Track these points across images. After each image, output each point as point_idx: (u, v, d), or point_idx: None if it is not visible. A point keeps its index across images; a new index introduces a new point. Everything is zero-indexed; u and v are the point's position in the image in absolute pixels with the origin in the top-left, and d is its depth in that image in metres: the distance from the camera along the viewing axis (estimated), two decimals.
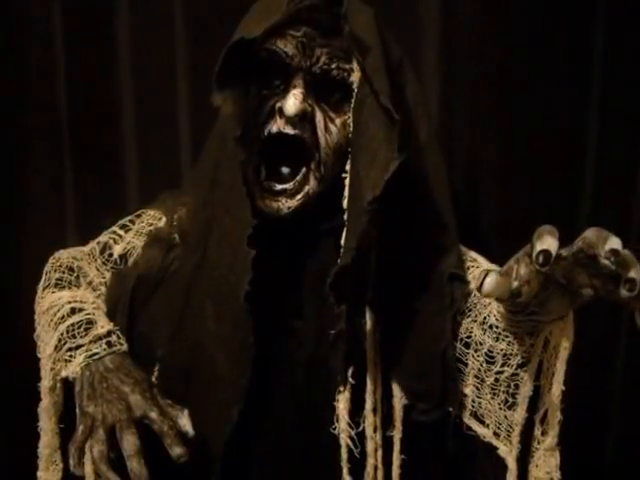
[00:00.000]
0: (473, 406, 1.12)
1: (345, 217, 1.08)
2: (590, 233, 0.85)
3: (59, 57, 1.62)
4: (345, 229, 1.07)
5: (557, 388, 1.05)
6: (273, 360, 1.15)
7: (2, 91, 1.64)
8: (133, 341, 1.15)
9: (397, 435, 1.15)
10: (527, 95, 1.53)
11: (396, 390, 1.15)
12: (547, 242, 0.83)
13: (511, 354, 1.06)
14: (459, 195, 1.22)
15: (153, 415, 1.00)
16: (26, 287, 1.28)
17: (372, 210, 0.99)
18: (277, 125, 1.10)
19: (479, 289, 0.90)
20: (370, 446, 1.14)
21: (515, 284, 0.88)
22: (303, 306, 1.18)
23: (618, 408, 1.62)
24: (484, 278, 0.89)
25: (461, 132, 1.56)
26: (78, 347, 1.08)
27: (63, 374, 1.09)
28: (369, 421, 1.14)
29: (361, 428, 1.13)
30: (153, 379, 1.14)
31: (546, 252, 0.82)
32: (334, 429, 1.13)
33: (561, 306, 0.95)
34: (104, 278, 1.25)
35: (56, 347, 1.10)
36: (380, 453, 1.15)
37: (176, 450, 0.97)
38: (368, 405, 1.13)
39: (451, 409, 1.12)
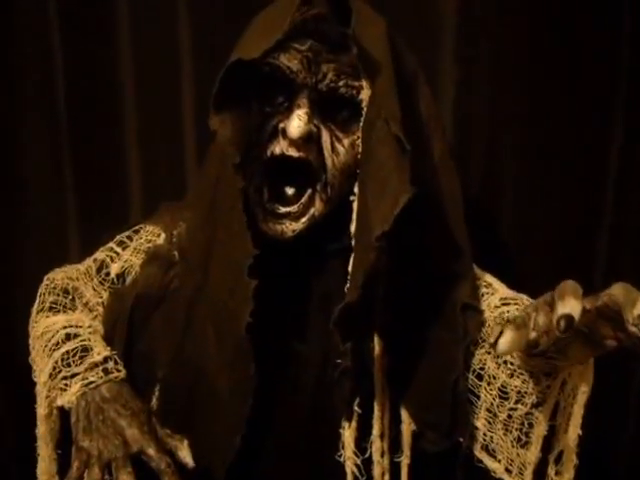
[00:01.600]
0: (484, 440, 1.07)
1: (353, 244, 1.03)
2: (618, 291, 0.79)
3: (58, 61, 1.57)
4: (352, 262, 1.01)
5: (574, 432, 1.00)
6: (277, 384, 1.11)
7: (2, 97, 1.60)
8: (133, 361, 1.12)
9: (405, 461, 1.11)
10: (549, 100, 1.44)
11: (405, 416, 1.11)
12: (570, 305, 0.77)
13: (526, 392, 1.01)
14: (477, 205, 1.15)
15: (150, 451, 0.96)
16: (27, 295, 1.24)
17: (380, 246, 0.93)
18: (280, 147, 1.04)
19: (493, 347, 0.84)
20: (377, 471, 1.10)
21: (533, 335, 0.83)
22: (308, 329, 1.13)
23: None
24: (499, 336, 0.84)
25: (479, 139, 1.48)
26: (73, 375, 1.04)
27: (58, 403, 1.05)
28: (376, 446, 1.10)
29: (368, 454, 1.09)
30: (154, 399, 1.12)
31: (568, 317, 0.76)
32: (340, 456, 1.09)
33: (581, 354, 0.89)
34: (101, 298, 1.20)
35: (51, 375, 1.06)
36: (387, 478, 1.11)
37: None
38: (375, 431, 1.09)
39: (462, 439, 1.07)
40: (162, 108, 1.57)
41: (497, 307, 1.09)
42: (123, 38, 1.54)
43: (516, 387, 1.02)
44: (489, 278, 1.16)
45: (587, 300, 0.80)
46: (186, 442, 1.00)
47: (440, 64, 1.43)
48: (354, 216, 1.04)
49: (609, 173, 1.46)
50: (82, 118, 1.59)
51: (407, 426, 1.11)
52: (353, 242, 1.03)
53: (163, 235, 1.20)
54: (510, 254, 1.49)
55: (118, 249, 1.21)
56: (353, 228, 1.04)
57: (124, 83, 1.56)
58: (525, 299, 1.10)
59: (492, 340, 0.85)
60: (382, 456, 1.10)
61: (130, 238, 1.22)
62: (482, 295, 1.12)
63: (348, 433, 1.08)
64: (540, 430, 1.01)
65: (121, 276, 1.19)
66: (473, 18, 1.43)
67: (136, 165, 1.60)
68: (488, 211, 1.49)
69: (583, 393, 0.99)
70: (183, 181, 1.59)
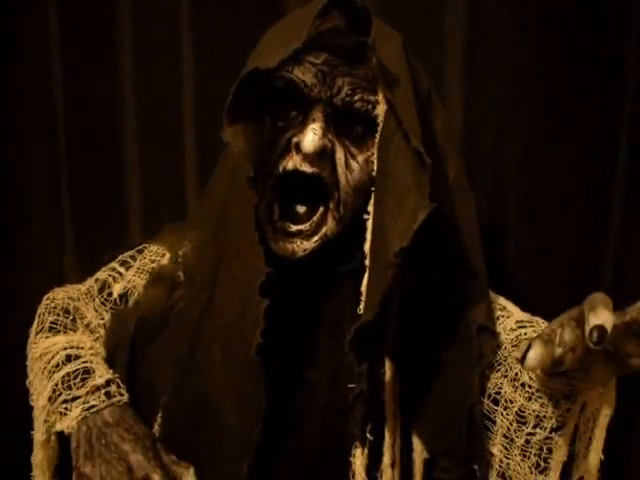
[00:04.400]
0: (501, 466, 1.04)
1: (367, 262, 0.99)
2: None
3: (57, 77, 1.56)
4: (366, 280, 0.98)
5: (595, 457, 0.97)
6: (285, 410, 1.06)
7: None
8: (134, 387, 1.08)
9: None
10: (557, 125, 1.43)
11: (417, 444, 1.07)
12: (602, 316, 0.75)
13: (545, 416, 0.98)
14: (482, 224, 1.13)
15: (156, 477, 0.93)
16: (22, 323, 1.21)
17: (398, 263, 0.91)
18: (293, 162, 1.01)
19: (521, 362, 0.82)
20: None
21: (558, 351, 0.81)
22: (317, 353, 1.09)
23: None
24: (527, 350, 0.81)
25: (485, 159, 1.47)
26: (74, 399, 1.00)
27: (58, 428, 1.01)
28: (387, 476, 1.05)
29: None
30: (156, 426, 1.08)
31: (601, 328, 0.74)
32: None
33: (605, 374, 0.87)
34: (103, 319, 1.16)
35: (50, 398, 1.02)
36: None
37: None
38: (386, 459, 1.05)
39: (476, 467, 1.04)
40: (163, 130, 1.55)
41: (513, 330, 1.07)
42: (125, 54, 1.53)
43: (534, 411, 0.99)
44: (503, 301, 1.14)
45: (615, 316, 0.78)
46: (192, 470, 0.96)
47: (447, 77, 1.43)
48: (368, 235, 1.01)
49: (615, 190, 1.45)
50: (81, 137, 1.58)
51: (419, 454, 1.07)
52: (367, 261, 0.99)
53: (168, 255, 1.17)
54: (517, 274, 1.47)
55: (121, 269, 1.18)
56: (367, 247, 1.00)
57: (124, 103, 1.55)
58: (541, 322, 1.07)
59: (519, 355, 0.83)
60: None
61: (133, 258, 1.19)
62: (497, 318, 1.10)
63: (359, 462, 1.04)
64: (560, 455, 0.98)
65: (124, 297, 1.16)
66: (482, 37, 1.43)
67: (135, 186, 1.58)
68: (495, 227, 1.47)
69: (605, 416, 0.96)
70: (183, 203, 1.57)
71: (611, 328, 0.75)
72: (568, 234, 1.45)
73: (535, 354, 0.81)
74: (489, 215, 1.45)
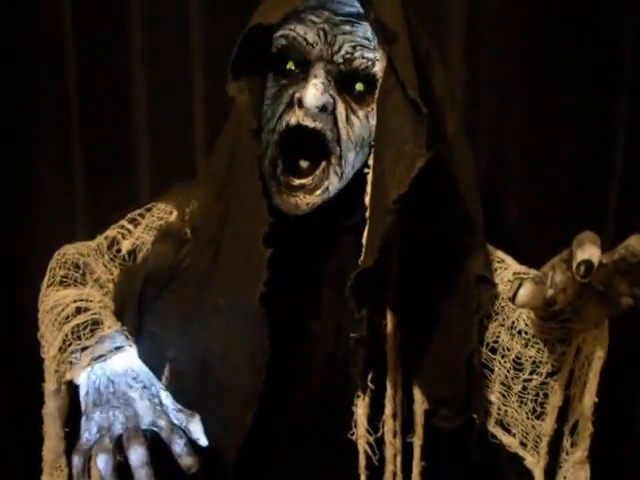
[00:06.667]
0: (499, 414, 1.07)
1: (367, 215, 1.03)
2: (634, 241, 0.79)
3: (70, 50, 1.59)
4: (367, 228, 1.01)
5: (589, 399, 0.99)
6: (289, 361, 1.09)
7: (14, 86, 1.61)
8: (142, 340, 1.10)
9: (417, 441, 1.10)
10: (555, 89, 1.47)
11: (417, 395, 1.10)
12: (589, 251, 0.77)
13: (540, 362, 1.01)
14: (482, 191, 1.16)
15: (162, 423, 0.94)
16: (35, 281, 1.22)
17: (397, 209, 0.93)
18: (296, 117, 1.04)
19: (512, 299, 0.84)
20: (389, 452, 1.09)
21: (550, 292, 0.83)
22: (321, 306, 1.12)
23: None
24: (518, 288, 0.84)
25: (485, 127, 1.51)
26: (84, 349, 1.02)
27: (68, 377, 1.04)
28: (388, 426, 1.08)
29: (380, 433, 1.08)
30: (163, 379, 1.10)
31: (588, 262, 0.76)
32: (352, 435, 1.08)
33: (597, 315, 0.88)
34: (112, 275, 1.19)
35: (60, 348, 1.05)
36: (399, 459, 1.10)
37: (186, 461, 0.92)
38: (388, 410, 1.08)
39: (475, 416, 1.06)
40: (172, 99, 1.59)
41: (510, 281, 1.09)
42: (134, 15, 1.57)
43: (531, 357, 1.02)
44: (501, 254, 1.16)
45: (604, 255, 0.80)
46: (197, 417, 0.98)
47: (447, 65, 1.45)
48: (368, 188, 1.04)
49: (613, 169, 1.49)
50: (93, 108, 1.61)
51: (419, 405, 1.10)
52: (368, 211, 1.02)
53: (175, 213, 1.19)
54: (517, 233, 1.52)
55: (129, 226, 1.21)
56: (367, 200, 1.04)
57: (135, 73, 1.58)
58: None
59: (511, 294, 0.85)
60: (394, 437, 1.09)
61: (142, 215, 1.22)
62: (495, 270, 1.12)
63: (361, 411, 1.07)
64: (556, 400, 1.01)
65: (132, 253, 1.19)
66: (480, 20, 1.47)
67: (145, 148, 1.61)
68: (494, 194, 1.50)
69: (599, 358, 0.98)
70: (192, 163, 1.61)
71: (598, 262, 0.77)
72: (566, 197, 1.49)
73: (525, 291, 0.83)
74: (488, 176, 1.49)
